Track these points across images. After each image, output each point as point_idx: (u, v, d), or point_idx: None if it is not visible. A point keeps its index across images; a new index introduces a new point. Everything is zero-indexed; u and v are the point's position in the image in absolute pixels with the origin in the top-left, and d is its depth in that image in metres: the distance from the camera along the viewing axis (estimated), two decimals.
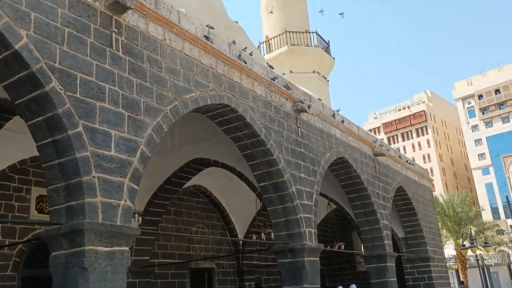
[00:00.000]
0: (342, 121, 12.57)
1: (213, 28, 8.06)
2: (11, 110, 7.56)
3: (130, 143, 5.96)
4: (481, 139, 70.73)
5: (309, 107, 10.40)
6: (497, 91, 70.53)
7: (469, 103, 73.40)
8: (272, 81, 9.51)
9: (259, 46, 24.01)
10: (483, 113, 71.53)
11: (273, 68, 10.12)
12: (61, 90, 5.25)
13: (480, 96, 71.94)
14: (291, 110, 10.12)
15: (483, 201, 65.20)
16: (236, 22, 13.33)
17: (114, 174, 5.64)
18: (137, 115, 6.16)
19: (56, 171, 5.39)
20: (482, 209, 42.23)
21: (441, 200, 34.88)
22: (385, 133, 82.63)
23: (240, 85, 8.53)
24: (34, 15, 5.15)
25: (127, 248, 5.60)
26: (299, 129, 10.22)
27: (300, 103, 10.24)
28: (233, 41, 8.83)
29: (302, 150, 10.15)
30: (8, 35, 4.83)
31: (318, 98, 12.18)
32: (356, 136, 13.28)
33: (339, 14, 26.53)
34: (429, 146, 77.76)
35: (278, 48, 23.24)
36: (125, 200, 5.71)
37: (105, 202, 5.43)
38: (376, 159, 14.34)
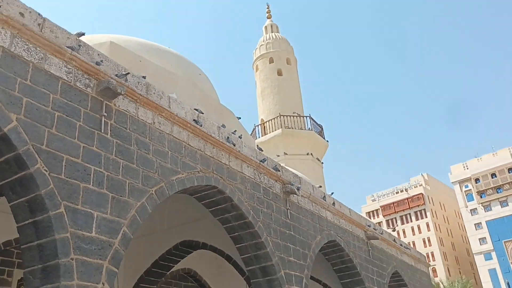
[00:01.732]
0: (333, 203, 12.55)
1: (202, 113, 8.36)
2: None
3: (112, 224, 5.94)
4: (481, 223, 69.88)
5: (298, 189, 10.47)
6: (493, 174, 70.98)
7: (467, 186, 73.52)
8: (261, 163, 9.66)
9: (254, 129, 24.69)
10: (481, 197, 71.38)
11: (262, 150, 10.33)
12: (46, 171, 5.34)
13: (477, 180, 72.24)
14: (280, 192, 10.17)
15: (488, 287, 62.97)
16: (239, 117, 13.83)
17: (94, 256, 5.56)
18: (121, 196, 6.21)
19: (35, 253, 5.32)
20: None
21: (441, 287, 33.74)
22: (383, 216, 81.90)
23: (228, 167, 8.66)
24: (26, 100, 5.38)
25: None
26: (288, 211, 10.20)
27: (290, 185, 10.32)
28: (223, 124, 9.12)
29: (292, 233, 10.04)
30: None
31: (315, 185, 12.28)
32: (348, 219, 13.20)
33: None
34: (428, 229, 76.72)
35: (272, 131, 23.86)
36: (103, 284, 5.58)
37: (82, 285, 5.30)
38: (370, 242, 14.13)
